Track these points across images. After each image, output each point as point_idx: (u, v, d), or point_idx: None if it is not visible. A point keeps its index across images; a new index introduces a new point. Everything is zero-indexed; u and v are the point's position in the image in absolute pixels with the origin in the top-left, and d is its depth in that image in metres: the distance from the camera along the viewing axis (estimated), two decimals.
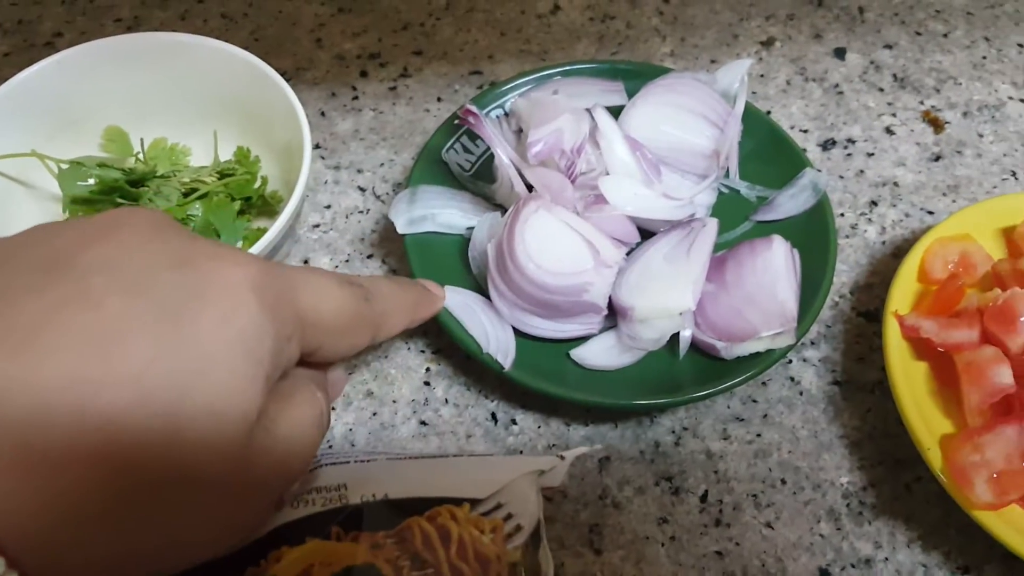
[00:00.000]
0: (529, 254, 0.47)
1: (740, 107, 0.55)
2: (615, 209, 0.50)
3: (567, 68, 0.59)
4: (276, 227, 0.46)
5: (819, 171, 0.54)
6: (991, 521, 0.42)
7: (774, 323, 0.47)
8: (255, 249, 0.45)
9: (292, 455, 0.32)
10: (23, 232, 0.30)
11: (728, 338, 0.48)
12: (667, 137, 0.55)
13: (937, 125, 0.63)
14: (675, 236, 0.52)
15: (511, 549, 0.35)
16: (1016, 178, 0.61)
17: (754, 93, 0.65)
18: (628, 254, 0.51)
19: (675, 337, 0.49)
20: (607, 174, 0.52)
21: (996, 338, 0.47)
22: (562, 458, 0.40)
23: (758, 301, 0.48)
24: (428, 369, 0.52)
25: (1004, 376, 0.45)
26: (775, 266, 0.49)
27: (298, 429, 0.32)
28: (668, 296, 0.48)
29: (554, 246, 0.48)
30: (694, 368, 0.49)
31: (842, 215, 0.59)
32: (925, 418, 0.46)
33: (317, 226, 0.58)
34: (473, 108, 0.52)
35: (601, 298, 0.48)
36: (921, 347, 0.49)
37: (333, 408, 0.50)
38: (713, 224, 0.51)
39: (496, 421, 0.50)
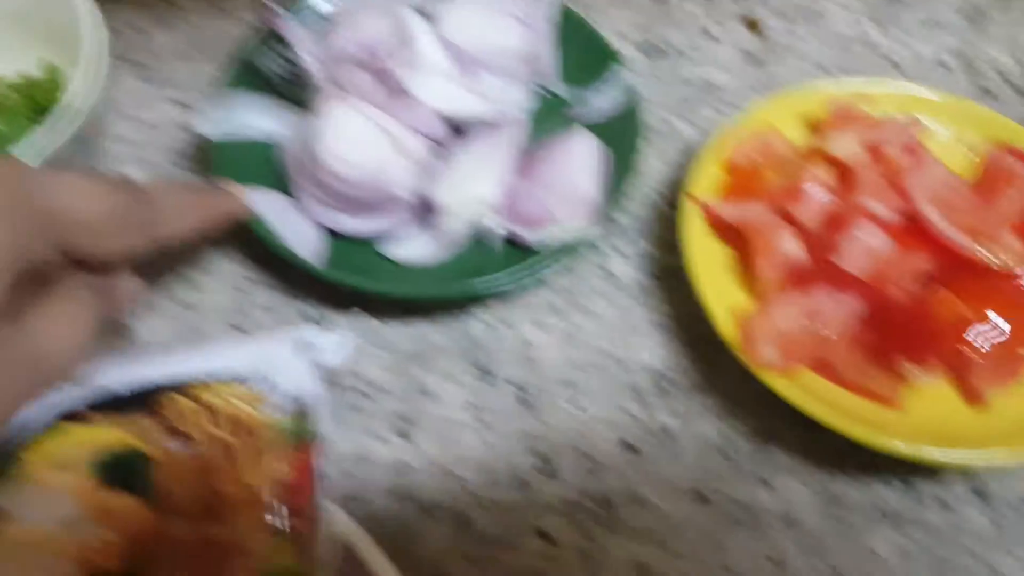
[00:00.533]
0: (330, 150, 0.47)
1: (549, 6, 0.55)
2: (422, 104, 0.50)
3: None
4: (45, 131, 0.44)
5: (628, 69, 0.55)
6: (780, 384, 0.44)
7: (576, 211, 0.48)
8: (19, 150, 0.43)
9: (48, 351, 0.32)
10: None
11: (532, 225, 0.49)
12: (482, 38, 0.54)
13: (756, 28, 0.65)
14: (487, 134, 0.52)
15: (278, 418, 0.35)
16: (829, 75, 0.63)
17: (582, 3, 0.66)
18: (442, 153, 0.51)
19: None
20: (419, 72, 0.51)
21: (788, 214, 0.48)
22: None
23: (561, 191, 0.49)
24: (243, 276, 0.51)
25: (790, 247, 0.47)
26: (578, 158, 0.50)
27: (57, 328, 0.32)
28: (475, 189, 0.49)
29: (356, 140, 0.48)
30: (507, 260, 0.49)
31: (660, 117, 0.60)
32: (723, 295, 0.47)
33: (129, 140, 0.56)
34: (275, 8, 0.51)
35: (405, 190, 0.48)
36: (722, 230, 0.50)
37: (142, 318, 0.49)
38: (521, 121, 0.52)
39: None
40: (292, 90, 0.55)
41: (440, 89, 0.51)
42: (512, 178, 0.50)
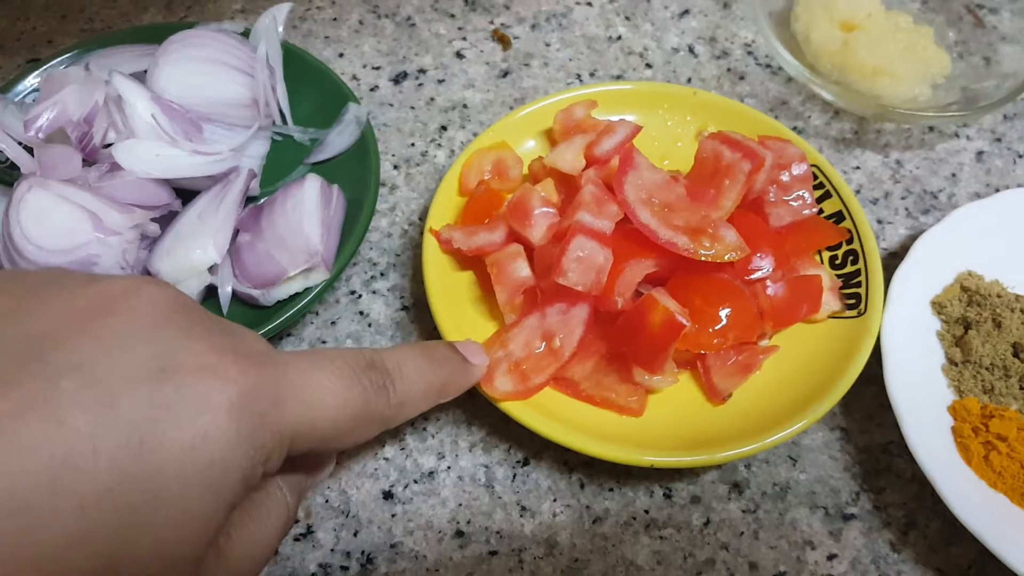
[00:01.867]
0: (26, 236, 0.45)
1: (263, 50, 0.54)
2: (131, 174, 0.48)
3: (102, 38, 0.57)
4: None
5: (380, 100, 0.54)
6: (521, 412, 0.43)
7: (300, 260, 0.47)
8: None
9: (244, 568, 0.30)
10: (9, 285, 0.28)
11: (263, 284, 0.47)
12: (201, 92, 0.53)
13: (505, 42, 0.64)
14: (212, 192, 0.50)
15: None
16: (580, 80, 0.63)
17: (327, 37, 0.64)
18: (167, 219, 0.49)
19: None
20: (130, 141, 0.49)
21: (518, 235, 0.47)
22: None
23: (287, 242, 0.47)
24: None
25: (522, 270, 0.46)
26: (305, 204, 0.49)
27: (257, 543, 0.31)
28: (192, 254, 0.47)
29: (51, 223, 0.45)
30: (240, 321, 0.48)
31: (413, 144, 0.59)
32: (465, 327, 0.46)
33: None
34: None
35: (115, 268, 0.46)
36: (462, 258, 0.49)
37: None
38: (243, 173, 0.50)
39: None
40: (11, 175, 0.52)
41: (153, 155, 0.49)
42: (241, 235, 0.49)
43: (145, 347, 0.27)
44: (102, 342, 0.26)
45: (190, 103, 0.52)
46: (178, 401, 0.26)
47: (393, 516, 0.45)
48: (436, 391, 0.38)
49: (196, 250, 0.46)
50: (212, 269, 0.47)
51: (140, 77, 0.52)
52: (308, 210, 0.48)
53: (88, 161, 0.49)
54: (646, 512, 0.45)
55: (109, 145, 0.50)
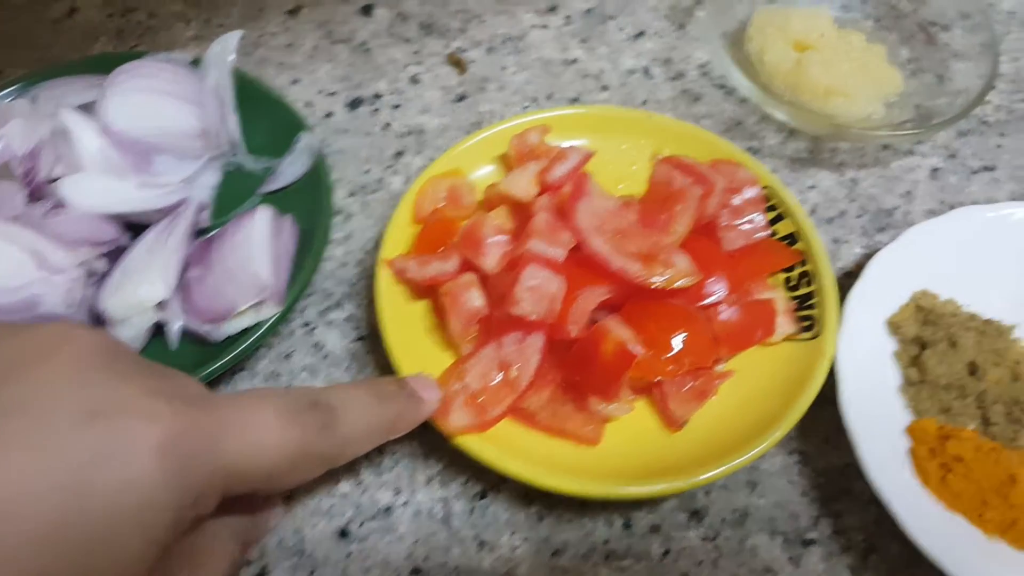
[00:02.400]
0: None
1: (213, 80, 0.53)
2: (78, 210, 0.47)
3: (49, 70, 0.56)
4: None
5: (335, 127, 0.54)
6: (474, 446, 0.42)
7: (249, 295, 0.46)
8: None
9: None
10: None
11: (213, 320, 0.46)
12: (150, 123, 0.52)
13: (461, 66, 0.64)
14: (161, 225, 0.49)
15: None
16: (537, 104, 0.62)
17: (281, 64, 0.64)
18: (115, 254, 0.48)
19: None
20: (76, 176, 0.49)
21: (471, 264, 0.47)
22: None
23: (236, 276, 0.47)
24: None
25: (475, 300, 0.46)
26: (255, 237, 0.48)
27: None
28: (140, 290, 0.46)
29: None
30: (191, 358, 0.47)
31: (368, 171, 0.58)
32: (420, 358, 0.46)
33: None
34: None
35: (61, 307, 0.45)
36: (417, 288, 0.49)
37: None
38: (192, 205, 0.49)
39: None
40: None
41: (100, 190, 0.48)
42: (191, 269, 0.48)
43: (77, 391, 0.27)
44: (34, 387, 0.27)
45: (139, 134, 0.51)
46: (107, 444, 0.26)
47: (348, 555, 0.44)
48: (384, 429, 0.38)
49: (144, 286, 0.46)
50: (161, 305, 0.46)
51: (88, 108, 0.52)
52: (257, 243, 0.48)
53: (34, 196, 0.48)
54: (605, 543, 0.44)
55: (56, 180, 0.49)
